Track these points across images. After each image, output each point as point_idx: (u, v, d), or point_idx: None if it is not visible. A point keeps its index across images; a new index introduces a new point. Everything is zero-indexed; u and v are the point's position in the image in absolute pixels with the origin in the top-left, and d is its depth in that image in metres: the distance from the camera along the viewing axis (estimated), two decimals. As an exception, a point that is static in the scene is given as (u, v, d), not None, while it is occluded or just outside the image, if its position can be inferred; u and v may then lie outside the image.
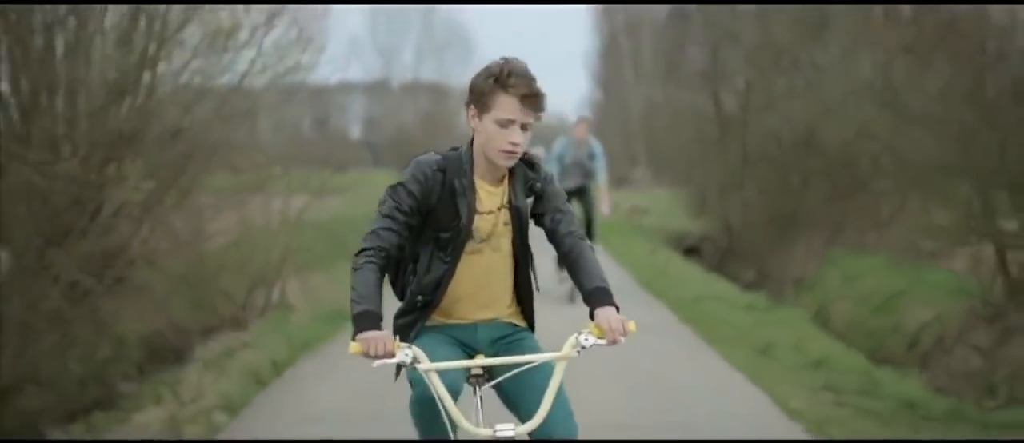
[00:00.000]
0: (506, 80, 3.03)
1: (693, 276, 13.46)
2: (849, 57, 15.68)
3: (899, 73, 13.22)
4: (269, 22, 9.60)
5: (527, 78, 3.06)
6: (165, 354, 10.24)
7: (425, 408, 3.01)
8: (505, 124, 3.04)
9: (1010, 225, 10.39)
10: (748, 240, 18.76)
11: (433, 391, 2.90)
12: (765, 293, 12.34)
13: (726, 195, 19.57)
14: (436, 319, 3.20)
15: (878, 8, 17.05)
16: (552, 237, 3.22)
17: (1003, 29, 11.91)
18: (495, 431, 2.92)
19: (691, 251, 20.48)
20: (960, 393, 8.12)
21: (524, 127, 3.07)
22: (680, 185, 24.96)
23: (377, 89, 47.07)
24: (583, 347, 2.95)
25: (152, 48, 8.40)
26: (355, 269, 3.03)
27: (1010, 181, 10.25)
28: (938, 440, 5.16)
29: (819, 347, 8.26)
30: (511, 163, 3.13)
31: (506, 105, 3.03)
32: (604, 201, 10.77)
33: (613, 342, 2.97)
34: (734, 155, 19.14)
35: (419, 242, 3.17)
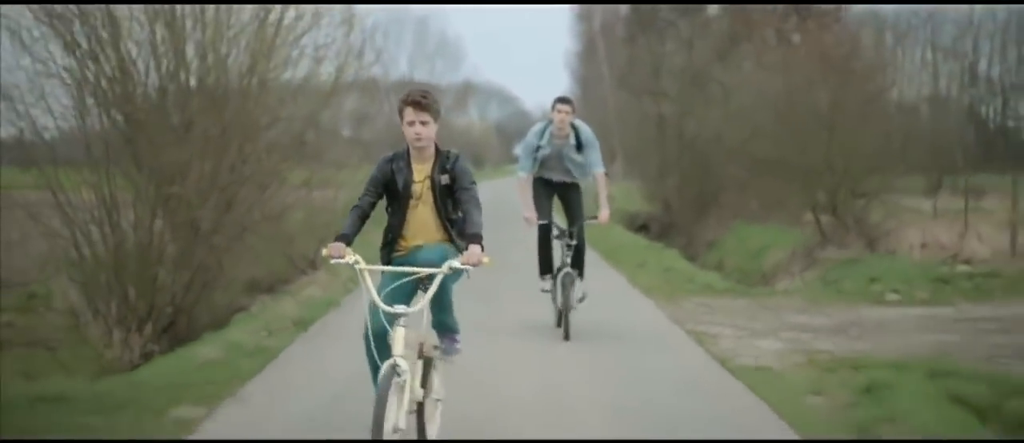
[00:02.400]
0: (405, 97, 4.60)
1: (622, 237, 18.94)
2: (746, 78, 20.95)
3: (776, 90, 18.64)
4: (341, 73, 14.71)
5: (418, 91, 4.63)
6: (259, 290, 15.48)
7: (370, 339, 4.41)
8: (411, 123, 4.55)
9: (821, 197, 15.82)
10: (680, 216, 24.05)
11: (363, 284, 4.28)
12: (664, 244, 17.73)
13: (665, 181, 24.84)
14: (400, 245, 4.74)
15: (771, 36, 22.43)
16: (458, 204, 4.64)
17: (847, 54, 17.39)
18: (392, 307, 4.25)
19: (642, 227, 25.39)
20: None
21: (423, 123, 4.56)
22: (638, 175, 30.04)
23: (369, 87, 50.18)
24: (452, 267, 4.31)
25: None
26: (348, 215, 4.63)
27: (820, 169, 15.75)
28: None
29: (671, 263, 13.69)
30: (421, 145, 4.59)
31: (407, 113, 4.57)
32: (603, 208, 7.93)
33: (472, 265, 4.26)
34: (670, 150, 24.40)
35: (390, 203, 4.72)
